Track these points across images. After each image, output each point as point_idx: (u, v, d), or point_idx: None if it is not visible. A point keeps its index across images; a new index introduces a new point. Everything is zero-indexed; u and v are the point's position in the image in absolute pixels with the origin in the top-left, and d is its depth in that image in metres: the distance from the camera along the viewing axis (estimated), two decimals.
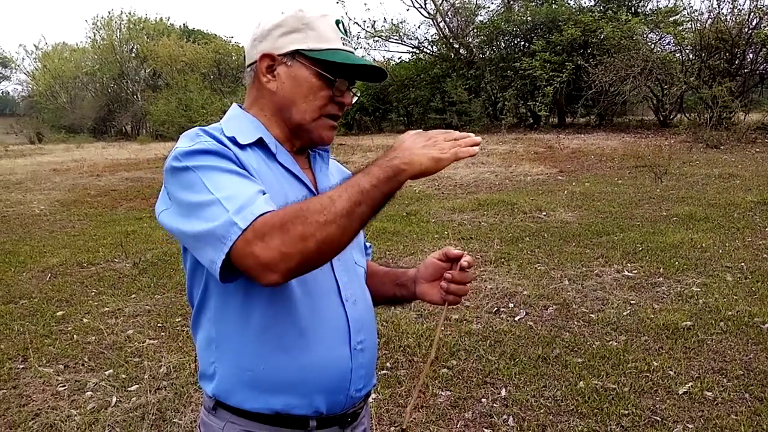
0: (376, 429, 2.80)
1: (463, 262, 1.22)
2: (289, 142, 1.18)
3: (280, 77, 1.13)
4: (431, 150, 0.99)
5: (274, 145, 1.15)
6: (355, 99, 1.20)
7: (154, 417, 2.95)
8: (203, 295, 1.13)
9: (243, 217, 0.94)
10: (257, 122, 1.16)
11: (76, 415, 2.99)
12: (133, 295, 4.93)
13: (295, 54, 1.12)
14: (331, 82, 1.13)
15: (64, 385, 3.32)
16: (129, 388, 3.27)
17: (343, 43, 1.14)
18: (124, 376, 3.42)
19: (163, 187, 1.08)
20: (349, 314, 1.16)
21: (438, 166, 0.98)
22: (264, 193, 1.00)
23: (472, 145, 1.02)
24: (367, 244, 1.39)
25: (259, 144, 1.13)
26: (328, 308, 1.14)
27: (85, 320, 4.36)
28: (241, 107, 1.20)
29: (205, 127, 1.11)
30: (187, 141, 1.05)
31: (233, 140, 1.09)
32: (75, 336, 4.06)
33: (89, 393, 3.23)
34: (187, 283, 1.17)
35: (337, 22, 1.15)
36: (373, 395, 2.72)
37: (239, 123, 1.15)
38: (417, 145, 1.00)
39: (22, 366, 3.61)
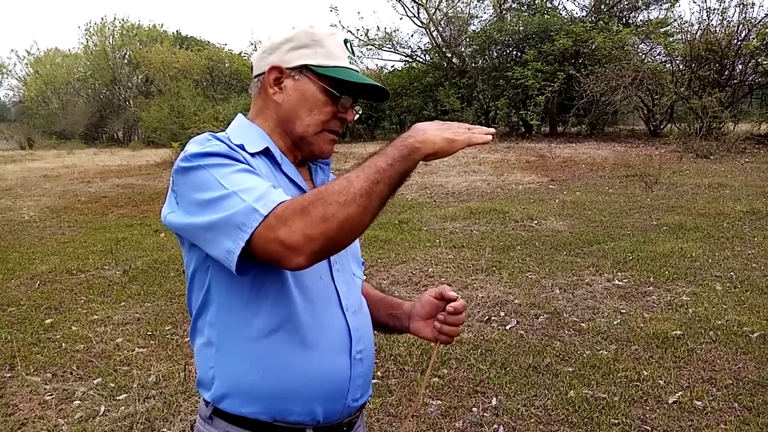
0: None
1: (449, 307, 1.24)
2: (291, 153, 1.20)
3: (287, 90, 1.16)
4: (445, 132, 1.02)
5: (279, 155, 1.17)
6: (356, 116, 1.23)
7: (142, 426, 2.92)
8: (204, 299, 1.12)
9: (264, 204, 0.95)
10: (263, 132, 1.18)
11: (63, 425, 2.96)
12: (123, 303, 4.89)
13: (303, 69, 1.15)
14: (336, 99, 1.16)
15: (52, 394, 3.29)
16: (117, 397, 3.24)
17: (350, 62, 1.17)
18: (112, 384, 3.39)
19: (169, 191, 1.09)
20: (350, 323, 1.17)
21: (451, 147, 1.01)
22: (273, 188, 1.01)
23: (485, 133, 1.05)
24: (361, 259, 1.40)
25: (265, 154, 1.15)
26: (330, 316, 1.15)
27: (73, 328, 4.33)
28: (246, 117, 1.22)
29: (214, 134, 1.13)
30: (197, 145, 1.07)
31: (241, 147, 1.11)
32: (63, 344, 4.02)
33: (77, 402, 3.20)
34: (187, 287, 1.17)
35: (345, 42, 1.18)
36: None
37: (246, 132, 1.17)
38: (432, 127, 1.03)
39: (9, 374, 3.58)
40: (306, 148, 1.19)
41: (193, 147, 1.06)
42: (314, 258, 0.97)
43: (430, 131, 1.01)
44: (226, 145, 1.07)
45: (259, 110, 1.20)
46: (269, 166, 1.14)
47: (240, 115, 1.23)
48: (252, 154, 1.11)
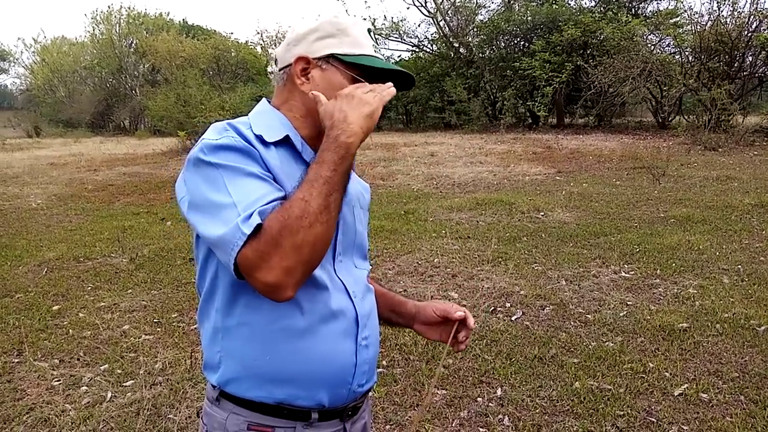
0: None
1: (470, 327, 1.30)
2: (314, 142, 1.19)
3: (314, 80, 1.15)
4: (362, 108, 1.05)
5: (300, 143, 1.16)
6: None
7: (149, 413, 2.94)
8: (212, 285, 1.14)
9: (248, 224, 0.96)
10: (285, 120, 1.17)
11: (70, 410, 2.98)
12: (130, 291, 4.92)
13: (330, 58, 1.15)
14: None
15: (59, 380, 3.31)
16: (124, 384, 3.26)
17: (374, 50, 1.17)
18: (119, 371, 3.41)
19: (182, 172, 1.10)
20: (358, 309, 1.18)
21: (374, 119, 1.06)
22: (282, 199, 1.02)
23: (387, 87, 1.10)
24: (366, 249, 1.41)
25: (286, 142, 1.14)
26: (337, 303, 1.15)
27: (80, 315, 4.35)
28: (269, 102, 1.22)
29: (234, 121, 1.12)
30: (214, 134, 1.08)
31: (260, 138, 1.11)
32: (70, 330, 4.05)
33: (84, 388, 3.22)
34: (198, 271, 1.18)
35: (369, 31, 1.18)
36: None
37: (268, 119, 1.17)
38: (348, 112, 1.04)
39: (17, 360, 3.60)
40: None
41: (210, 135, 1.08)
42: (299, 285, 1.01)
43: (350, 118, 1.03)
44: (243, 137, 1.07)
45: (284, 100, 1.19)
46: (287, 155, 1.14)
47: (264, 101, 1.23)
48: (270, 144, 1.11)
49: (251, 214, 0.97)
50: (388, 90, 1.09)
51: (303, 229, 0.96)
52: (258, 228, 0.96)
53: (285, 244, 0.95)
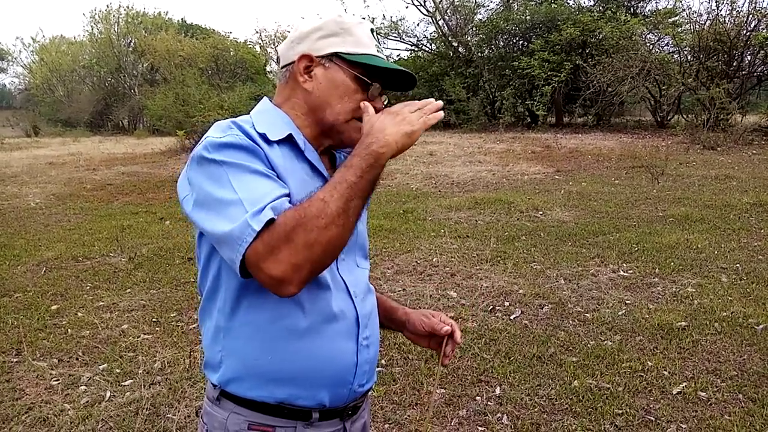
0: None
1: (458, 341, 1.32)
2: (317, 141, 1.20)
3: (317, 78, 1.15)
4: (402, 126, 1.04)
5: (302, 142, 1.16)
6: (384, 106, 1.22)
7: (147, 412, 2.94)
8: (214, 284, 1.14)
9: (258, 220, 0.96)
10: (288, 118, 1.17)
11: (69, 410, 2.98)
12: (128, 290, 4.92)
13: (333, 56, 1.15)
14: (367, 86, 1.16)
15: (58, 379, 3.31)
16: (123, 383, 3.26)
17: (377, 51, 1.18)
18: (118, 370, 3.41)
19: (184, 170, 1.10)
20: (358, 310, 1.19)
21: (412, 139, 1.05)
22: (286, 196, 1.03)
23: (435, 110, 1.08)
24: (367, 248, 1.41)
25: (288, 140, 1.14)
26: (338, 303, 1.15)
27: (79, 314, 4.35)
28: (271, 101, 1.22)
29: (237, 120, 1.12)
30: (218, 131, 1.08)
31: (263, 137, 1.10)
32: (69, 330, 4.05)
33: (83, 387, 3.22)
34: (199, 269, 1.18)
35: (372, 31, 1.19)
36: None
37: (270, 118, 1.16)
38: (387, 125, 1.04)
39: (15, 360, 3.60)
40: (336, 137, 1.19)
41: (214, 133, 1.07)
42: (304, 284, 1.00)
43: (388, 131, 1.03)
44: (247, 135, 1.07)
45: (286, 98, 1.19)
46: (290, 154, 1.14)
47: (266, 99, 1.22)
48: (273, 142, 1.11)
49: (262, 209, 0.97)
50: (435, 114, 1.07)
51: (317, 229, 0.95)
52: (270, 223, 0.96)
53: (297, 241, 0.95)
